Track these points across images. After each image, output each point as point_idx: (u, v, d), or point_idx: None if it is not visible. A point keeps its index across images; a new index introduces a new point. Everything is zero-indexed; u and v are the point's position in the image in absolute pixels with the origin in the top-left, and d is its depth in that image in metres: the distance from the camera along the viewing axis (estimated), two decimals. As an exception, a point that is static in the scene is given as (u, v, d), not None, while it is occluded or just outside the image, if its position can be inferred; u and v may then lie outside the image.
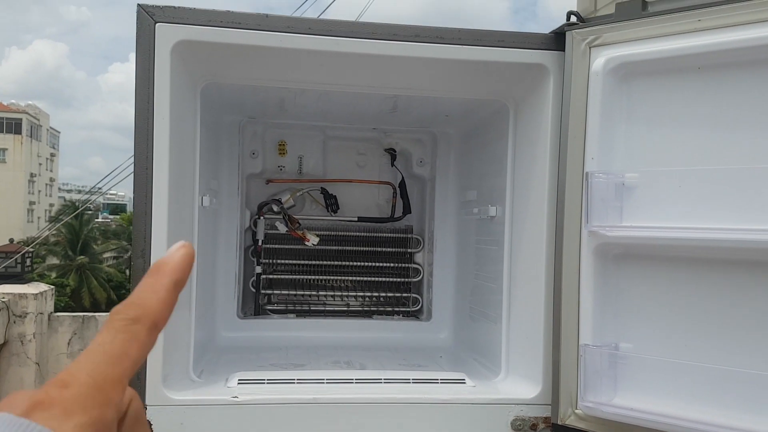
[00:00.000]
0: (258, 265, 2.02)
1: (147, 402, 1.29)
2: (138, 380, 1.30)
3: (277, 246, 2.05)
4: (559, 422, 1.30)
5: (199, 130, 1.46)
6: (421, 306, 2.12)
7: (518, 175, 1.53)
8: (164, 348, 1.30)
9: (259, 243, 2.01)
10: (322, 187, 2.07)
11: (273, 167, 2.06)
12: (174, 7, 1.31)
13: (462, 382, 1.48)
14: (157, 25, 1.30)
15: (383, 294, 2.12)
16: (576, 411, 1.27)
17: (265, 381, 1.42)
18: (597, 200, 1.22)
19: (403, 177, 2.10)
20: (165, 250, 1.34)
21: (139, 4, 1.32)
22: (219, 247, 1.91)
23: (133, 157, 1.36)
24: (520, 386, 1.44)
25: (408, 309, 2.12)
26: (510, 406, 1.38)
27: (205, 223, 1.64)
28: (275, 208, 2.01)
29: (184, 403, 1.29)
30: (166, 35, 1.30)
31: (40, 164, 37.41)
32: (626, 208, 1.24)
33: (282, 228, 2.00)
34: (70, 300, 18.09)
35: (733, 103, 1.11)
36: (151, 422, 1.31)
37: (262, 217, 2.00)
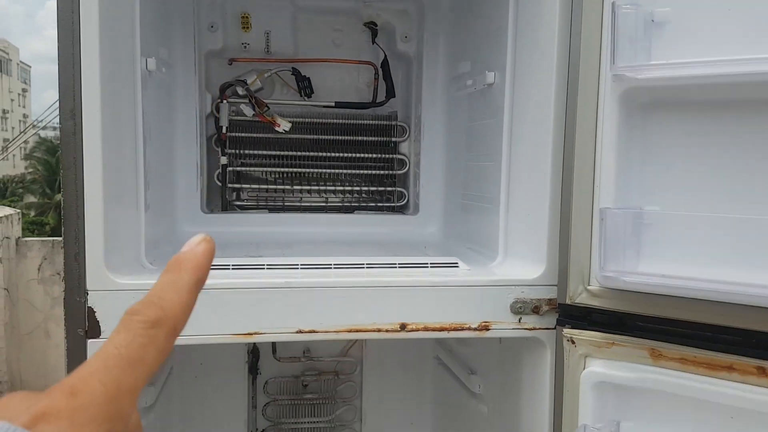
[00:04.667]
0: (223, 155, 1.80)
1: (88, 287, 1.09)
2: (76, 262, 1.10)
3: (243, 134, 1.82)
4: (568, 302, 1.12)
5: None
6: (407, 201, 1.92)
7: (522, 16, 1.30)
8: (105, 232, 1.09)
9: (223, 130, 1.78)
10: (293, 68, 1.83)
11: (236, 44, 1.80)
12: None
13: (455, 265, 1.30)
14: None
15: (365, 188, 1.92)
16: (588, 287, 1.09)
17: (230, 266, 1.22)
18: (624, 38, 1.01)
19: (386, 55, 1.86)
20: (99, 123, 1.11)
21: None
22: (177, 133, 1.67)
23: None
24: (521, 268, 1.27)
25: (392, 204, 1.93)
26: (509, 287, 1.20)
27: (154, 97, 1.40)
28: (240, 90, 1.77)
29: (133, 288, 1.09)
30: None
31: (12, 100, 36.08)
32: (655, 48, 1.02)
33: (248, 112, 1.76)
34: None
35: None
36: (99, 321, 1.12)
37: (225, 101, 1.76)
